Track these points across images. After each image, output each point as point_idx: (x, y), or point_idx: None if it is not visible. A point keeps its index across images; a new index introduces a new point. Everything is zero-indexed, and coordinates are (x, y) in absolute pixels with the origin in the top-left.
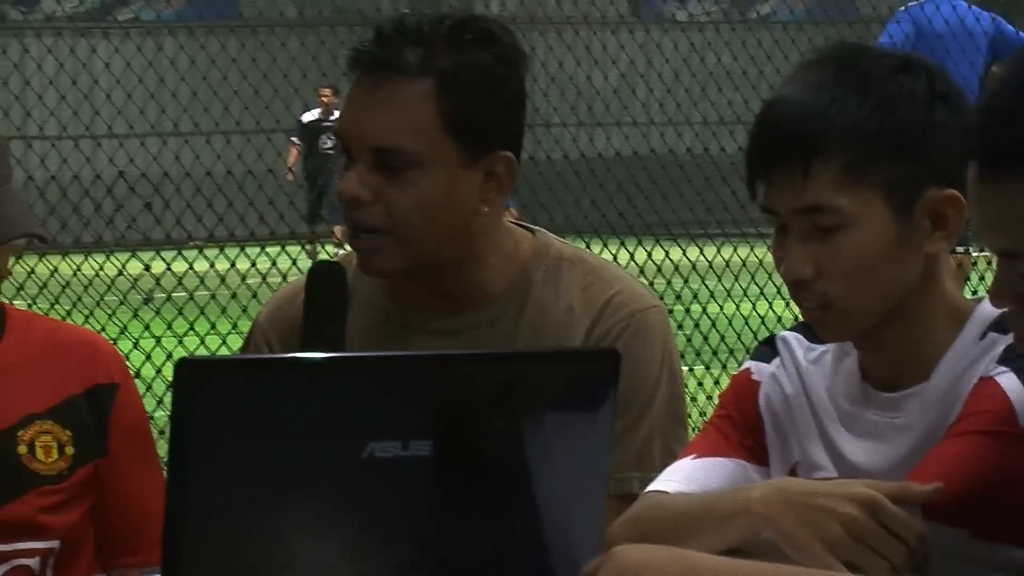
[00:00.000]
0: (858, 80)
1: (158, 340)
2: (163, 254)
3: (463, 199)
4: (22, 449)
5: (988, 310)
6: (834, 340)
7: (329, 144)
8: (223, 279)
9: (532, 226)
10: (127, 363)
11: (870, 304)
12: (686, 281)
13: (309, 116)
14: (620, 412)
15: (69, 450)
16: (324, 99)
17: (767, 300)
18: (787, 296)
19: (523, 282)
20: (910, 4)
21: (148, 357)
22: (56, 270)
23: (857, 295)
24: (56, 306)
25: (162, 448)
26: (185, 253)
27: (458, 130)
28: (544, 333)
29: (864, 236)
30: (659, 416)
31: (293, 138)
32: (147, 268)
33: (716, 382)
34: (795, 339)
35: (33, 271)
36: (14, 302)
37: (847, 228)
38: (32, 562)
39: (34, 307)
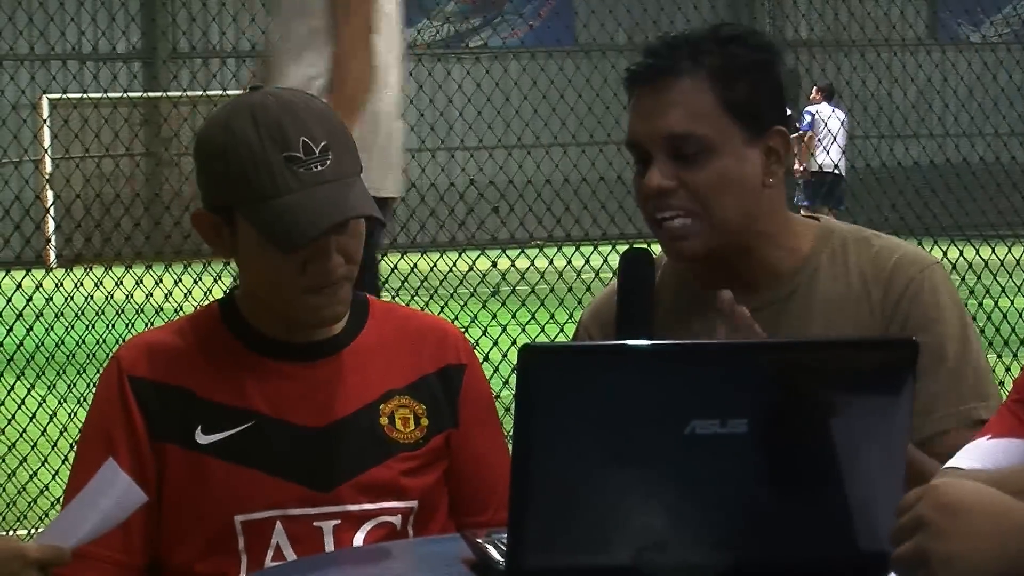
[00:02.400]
0: None
1: (504, 328)
2: (508, 252)
3: (752, 174)
4: (383, 420)
5: None
6: None
7: None
8: (560, 274)
9: (815, 215)
10: (476, 347)
11: None
12: (979, 277)
13: None
14: (939, 357)
15: (424, 421)
16: None
17: None
18: None
19: (812, 262)
20: None
21: (495, 343)
22: (415, 266)
23: None
24: (416, 297)
25: (507, 423)
26: (527, 251)
27: (737, 112)
28: (840, 306)
29: None
30: (976, 352)
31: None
32: (494, 264)
33: (1007, 369)
34: None
35: (395, 267)
36: (380, 295)
37: None
38: (395, 519)
39: (396, 298)
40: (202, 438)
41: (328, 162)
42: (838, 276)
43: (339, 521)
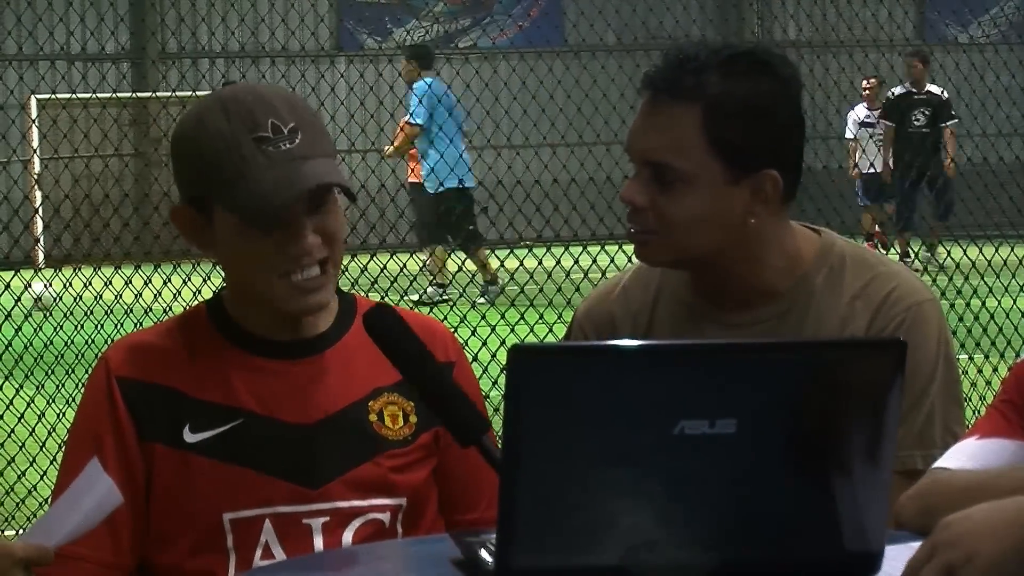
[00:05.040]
0: None
1: (493, 328)
2: (497, 252)
3: (728, 213)
4: (372, 417)
5: None
6: None
7: (922, 120)
8: (550, 275)
9: (818, 227)
10: (465, 347)
11: None
12: (967, 278)
13: (898, 90)
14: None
15: (412, 418)
16: (915, 69)
17: None
18: None
19: (807, 280)
20: None
21: (484, 343)
22: (405, 266)
23: None
24: (405, 298)
25: (496, 423)
26: (516, 251)
27: (723, 152)
28: (828, 327)
29: None
30: (938, 399)
31: (848, 135)
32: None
33: (994, 370)
34: None
35: (385, 267)
36: (369, 294)
37: None
38: (384, 517)
39: (386, 298)
40: (190, 436)
41: (297, 141)
42: (832, 297)
43: (328, 518)
